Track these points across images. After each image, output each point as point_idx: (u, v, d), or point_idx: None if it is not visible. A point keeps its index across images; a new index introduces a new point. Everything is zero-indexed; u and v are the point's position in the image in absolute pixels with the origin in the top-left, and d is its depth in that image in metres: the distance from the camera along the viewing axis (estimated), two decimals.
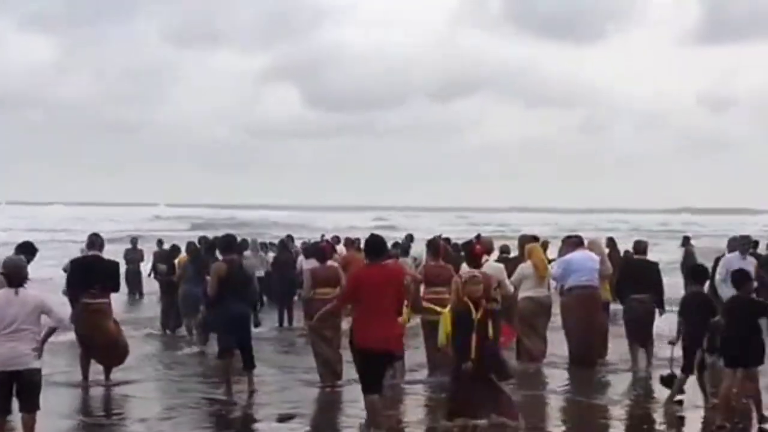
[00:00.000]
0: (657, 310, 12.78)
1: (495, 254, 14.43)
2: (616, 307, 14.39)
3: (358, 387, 8.97)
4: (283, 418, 9.82)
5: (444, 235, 21.36)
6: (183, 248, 17.32)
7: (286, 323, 17.92)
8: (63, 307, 9.95)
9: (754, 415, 9.40)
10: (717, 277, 13.04)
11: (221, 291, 11.08)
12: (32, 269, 9.32)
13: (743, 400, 9.97)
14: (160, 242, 22.34)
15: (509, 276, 12.53)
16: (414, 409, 10.46)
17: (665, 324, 14.21)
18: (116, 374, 11.87)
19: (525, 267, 12.90)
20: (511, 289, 12.44)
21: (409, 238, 20.66)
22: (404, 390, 11.32)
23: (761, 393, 9.36)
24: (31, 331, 8.00)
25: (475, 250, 11.38)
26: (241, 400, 10.79)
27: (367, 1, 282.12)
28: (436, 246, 12.52)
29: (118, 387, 11.55)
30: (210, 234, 21.32)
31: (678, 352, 10.07)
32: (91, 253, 11.89)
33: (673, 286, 20.46)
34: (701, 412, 9.93)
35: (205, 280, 14.08)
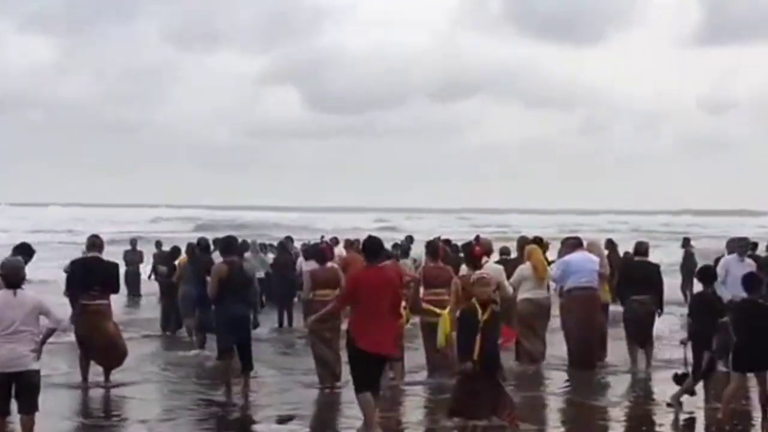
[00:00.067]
0: (656, 312, 12.78)
1: (495, 256, 14.43)
2: (615, 308, 14.38)
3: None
4: (283, 420, 9.83)
5: (444, 237, 21.41)
6: (183, 249, 17.30)
7: (285, 324, 17.92)
8: (62, 308, 9.96)
9: (760, 418, 9.42)
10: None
11: (221, 292, 11.09)
12: (34, 270, 9.39)
13: (743, 401, 10.01)
14: (158, 244, 22.31)
15: (509, 277, 12.54)
16: (413, 410, 10.47)
17: (664, 325, 14.27)
18: (116, 375, 11.87)
19: (524, 268, 12.89)
20: (511, 290, 12.44)
21: (409, 240, 20.65)
22: (404, 391, 11.32)
23: None
24: (30, 333, 8.00)
25: (474, 252, 11.37)
26: (241, 401, 10.80)
27: (367, 2, 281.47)
28: (435, 247, 12.52)
29: (117, 388, 11.55)
30: (209, 235, 21.32)
31: (690, 352, 10.09)
32: (91, 254, 11.88)
33: (673, 287, 20.56)
34: (701, 413, 9.94)
35: (203, 281, 14.13)
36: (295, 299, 17.99)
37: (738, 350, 9.21)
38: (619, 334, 13.28)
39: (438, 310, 11.27)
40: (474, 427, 8.62)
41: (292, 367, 13.11)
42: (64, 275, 12.65)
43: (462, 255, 13.88)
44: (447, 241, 19.16)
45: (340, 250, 18.81)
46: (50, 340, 8.46)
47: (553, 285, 13.36)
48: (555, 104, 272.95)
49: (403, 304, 10.47)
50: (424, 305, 11.80)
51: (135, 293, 23.19)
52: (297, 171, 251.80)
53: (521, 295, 12.74)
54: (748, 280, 9.61)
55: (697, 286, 10.70)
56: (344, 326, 9.71)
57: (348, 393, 10.70)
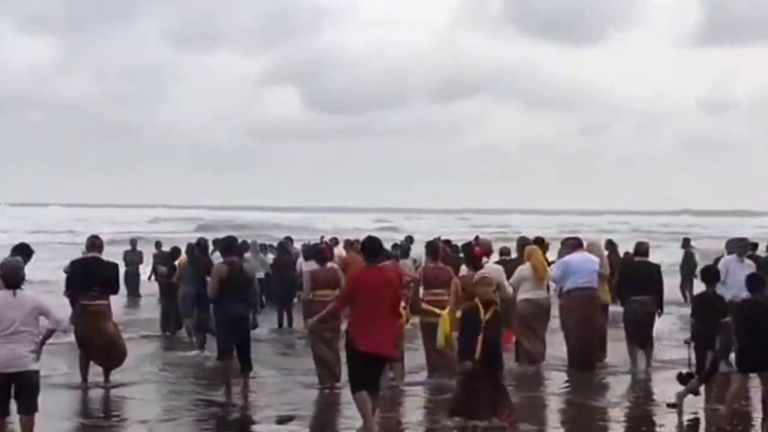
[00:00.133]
0: (656, 312, 12.78)
1: (495, 256, 14.43)
2: (615, 309, 14.38)
3: None
4: (283, 420, 9.83)
5: (444, 237, 21.39)
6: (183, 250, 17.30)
7: (285, 325, 17.92)
8: (61, 309, 9.96)
9: (760, 419, 9.42)
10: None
11: (221, 292, 11.10)
12: (33, 271, 9.39)
13: (743, 402, 10.00)
14: (158, 244, 22.33)
15: (508, 278, 12.53)
16: (413, 410, 10.47)
17: (664, 326, 14.26)
18: (115, 376, 11.87)
19: (524, 269, 12.89)
20: (510, 291, 12.44)
21: (409, 240, 20.63)
22: (403, 392, 11.32)
23: None
24: (29, 333, 8.01)
25: (474, 252, 11.37)
26: (240, 401, 10.80)
27: (367, 2, 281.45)
28: (434, 248, 12.52)
29: (117, 389, 11.54)
30: (210, 235, 21.33)
31: (693, 352, 10.11)
32: (90, 254, 11.88)
33: (673, 287, 20.57)
34: (702, 414, 9.94)
35: (201, 281, 14.15)
36: (295, 300, 17.99)
37: (740, 350, 9.22)
38: (618, 335, 13.28)
39: (438, 311, 11.27)
40: (474, 427, 8.62)
41: (291, 368, 13.11)
42: (64, 275, 12.66)
43: (462, 255, 13.87)
44: (447, 242, 19.14)
45: (339, 251, 18.81)
46: (50, 340, 8.46)
47: (553, 285, 13.37)
48: (555, 104, 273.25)
49: (402, 304, 10.47)
50: (424, 306, 11.80)
51: (135, 294, 23.19)
52: (297, 171, 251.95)
53: (521, 296, 12.74)
54: (752, 280, 9.62)
55: (697, 287, 10.72)
56: (344, 326, 9.72)
57: (348, 393, 10.67)
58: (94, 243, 11.91)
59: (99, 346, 11.63)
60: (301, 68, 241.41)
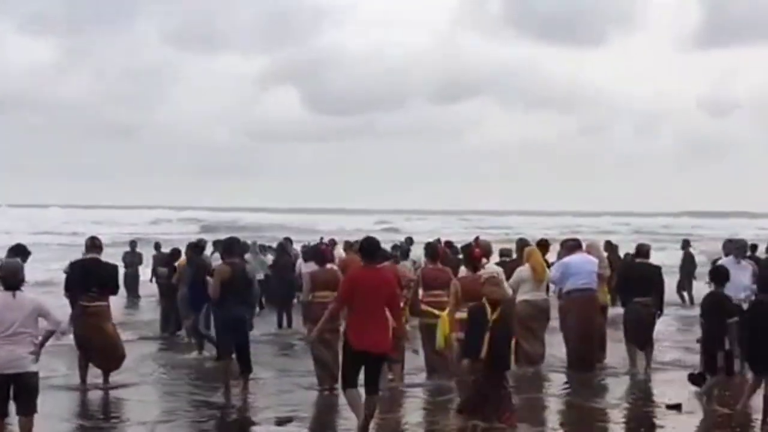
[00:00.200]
0: (656, 313, 12.77)
1: (495, 257, 14.41)
2: (614, 310, 14.39)
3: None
4: (282, 422, 9.83)
5: (445, 239, 21.37)
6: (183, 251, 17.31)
7: (285, 326, 17.92)
8: (61, 310, 9.96)
9: (759, 420, 9.44)
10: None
11: (223, 294, 11.11)
12: (30, 272, 9.39)
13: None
14: (158, 245, 22.36)
15: (507, 279, 12.52)
16: (412, 411, 10.46)
17: (663, 327, 14.26)
18: (115, 377, 11.86)
19: (523, 270, 12.88)
20: (510, 292, 12.42)
21: (409, 241, 20.63)
22: (403, 393, 11.33)
23: None
24: (29, 335, 8.01)
25: (473, 253, 11.37)
26: (239, 403, 10.81)
27: (367, 2, 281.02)
28: (434, 249, 12.53)
29: (116, 390, 11.53)
30: (211, 237, 21.34)
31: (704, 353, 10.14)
32: (90, 255, 11.88)
33: (672, 289, 20.58)
34: (701, 415, 9.94)
35: (197, 282, 14.17)
36: (295, 301, 18.02)
37: (750, 351, 9.28)
38: (618, 336, 13.27)
39: (437, 312, 11.27)
40: (474, 426, 8.62)
41: (291, 369, 13.11)
42: (63, 276, 12.66)
43: (461, 257, 13.87)
44: (449, 243, 19.12)
45: (339, 252, 18.82)
46: (49, 342, 8.45)
47: (552, 287, 13.36)
48: (555, 105, 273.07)
49: (401, 305, 10.47)
50: (423, 307, 11.80)
51: (134, 295, 23.18)
52: (297, 172, 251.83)
53: (520, 297, 12.73)
54: (763, 281, 9.66)
55: (696, 288, 10.74)
56: (343, 328, 9.73)
57: None
58: (94, 244, 11.91)
59: (98, 348, 11.63)
60: (301, 68, 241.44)
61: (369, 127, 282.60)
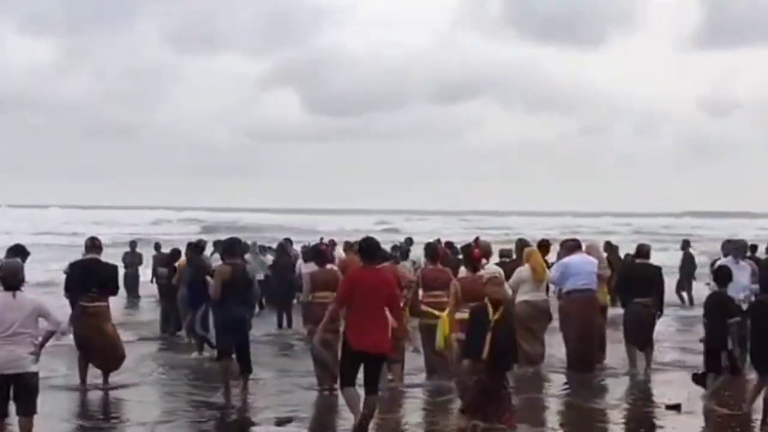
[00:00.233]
0: (656, 314, 12.77)
1: (495, 258, 14.40)
2: (614, 310, 14.39)
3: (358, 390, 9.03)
4: (282, 422, 9.83)
5: (446, 239, 21.37)
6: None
7: (285, 326, 17.92)
8: (61, 310, 9.97)
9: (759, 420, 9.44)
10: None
11: (224, 294, 11.11)
12: (29, 272, 9.39)
13: (742, 404, 10.01)
14: (158, 246, 22.38)
15: (507, 280, 12.52)
16: (412, 412, 10.46)
17: (663, 327, 14.25)
18: (114, 378, 11.86)
19: (522, 270, 12.88)
20: (509, 292, 12.43)
21: (409, 242, 20.62)
22: (403, 393, 11.33)
23: None
24: (29, 335, 8.01)
25: (473, 254, 11.36)
26: (239, 403, 10.81)
27: (367, 2, 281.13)
28: (434, 250, 12.53)
29: (116, 390, 11.54)
30: (212, 237, 21.34)
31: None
32: (89, 256, 11.88)
33: (672, 289, 20.58)
34: (701, 415, 9.94)
35: (195, 282, 14.19)
36: (295, 301, 18.03)
37: (753, 351, 9.29)
38: (618, 337, 13.27)
39: (437, 313, 11.27)
40: (474, 426, 8.62)
41: (290, 369, 13.12)
42: (63, 277, 12.67)
43: (461, 257, 13.87)
44: (449, 244, 19.11)
45: (339, 253, 18.83)
46: (49, 342, 8.46)
47: (552, 287, 13.36)
48: (556, 106, 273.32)
49: (401, 305, 10.47)
50: (423, 307, 11.80)
51: (134, 295, 23.19)
52: (297, 172, 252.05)
53: (520, 298, 12.73)
54: (764, 281, 9.69)
55: (696, 288, 10.75)
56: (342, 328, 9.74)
57: None
58: (94, 244, 11.90)
59: (98, 348, 11.63)
60: (301, 69, 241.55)
61: (369, 127, 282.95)
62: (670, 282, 16.51)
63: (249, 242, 20.17)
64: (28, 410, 8.01)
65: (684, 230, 62.87)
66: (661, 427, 9.67)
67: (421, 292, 12.02)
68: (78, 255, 13.29)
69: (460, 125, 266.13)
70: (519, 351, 12.83)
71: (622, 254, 19.67)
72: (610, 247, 18.95)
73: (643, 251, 13.14)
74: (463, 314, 9.98)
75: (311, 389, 11.48)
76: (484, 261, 12.07)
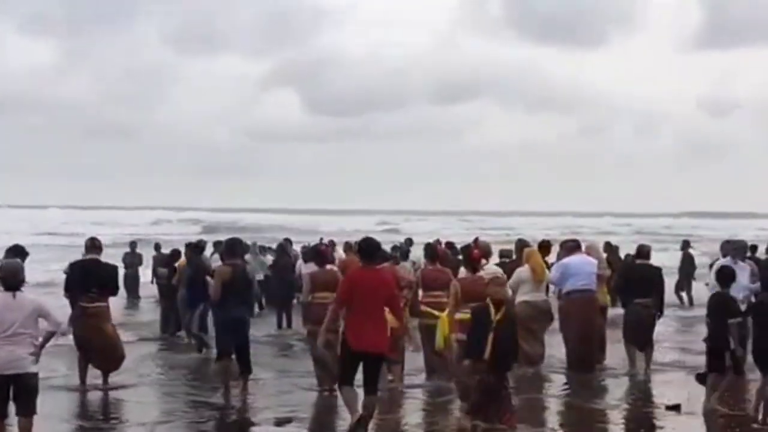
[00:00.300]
0: (656, 314, 12.77)
1: (495, 258, 14.40)
2: (614, 311, 14.39)
3: (357, 391, 9.03)
4: (281, 422, 9.84)
5: (447, 240, 21.35)
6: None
7: (285, 326, 17.92)
8: (61, 311, 9.96)
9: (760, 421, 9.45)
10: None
11: (224, 294, 11.12)
12: (32, 273, 9.40)
13: (742, 405, 10.01)
14: (157, 246, 22.38)
15: (507, 280, 12.52)
16: (412, 412, 10.46)
17: (662, 328, 14.25)
18: (114, 378, 11.86)
19: (522, 271, 12.88)
20: (509, 293, 12.42)
21: (408, 242, 20.62)
22: (402, 394, 11.33)
23: None
24: (29, 335, 8.00)
25: (472, 254, 11.36)
26: (239, 403, 10.81)
27: (367, 2, 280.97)
28: (433, 250, 12.53)
29: (115, 391, 11.54)
30: (213, 238, 21.34)
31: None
32: (89, 256, 11.88)
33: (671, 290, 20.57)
34: (701, 415, 9.94)
35: (194, 282, 14.19)
36: (294, 301, 18.03)
37: (755, 350, 9.32)
38: (617, 337, 13.26)
39: (436, 313, 11.27)
40: (474, 427, 8.62)
41: (290, 370, 13.12)
42: (63, 277, 12.67)
43: (461, 257, 13.86)
44: (450, 244, 19.10)
45: (339, 253, 18.83)
46: (49, 342, 8.46)
47: (552, 288, 13.36)
48: (556, 106, 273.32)
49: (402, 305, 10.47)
50: (423, 308, 11.80)
51: (134, 296, 23.19)
52: (298, 173, 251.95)
53: (519, 298, 12.72)
54: (766, 281, 9.71)
55: (695, 289, 10.75)
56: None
57: None
58: (94, 245, 11.90)
59: (98, 348, 11.63)
60: (301, 69, 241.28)
61: (369, 127, 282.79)
62: (669, 282, 16.49)
63: (249, 242, 20.17)
64: (27, 411, 8.00)
65: (684, 230, 62.84)
66: (661, 427, 9.68)
67: (420, 292, 12.02)
68: (78, 255, 13.29)
69: (460, 125, 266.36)
70: (519, 351, 12.91)
71: (622, 255, 19.67)
72: (610, 248, 18.94)
73: (643, 252, 13.15)
74: (463, 315, 9.99)
75: (311, 390, 11.48)
76: (483, 261, 12.08)
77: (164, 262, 18.37)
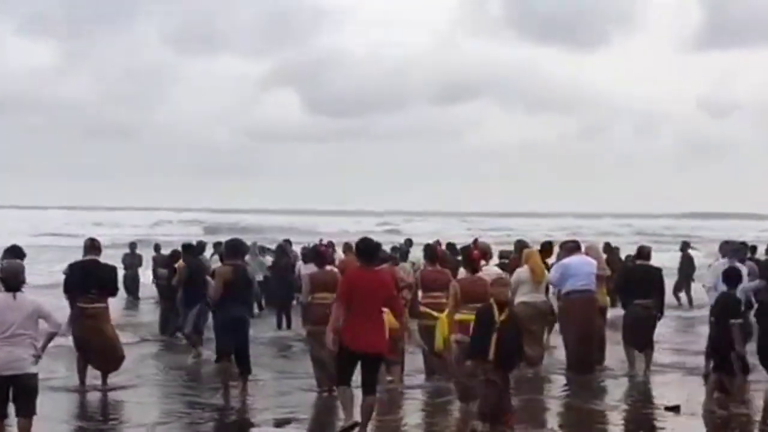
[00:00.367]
0: (657, 315, 12.77)
1: (495, 259, 14.40)
2: (614, 312, 14.38)
3: (356, 392, 9.02)
4: (280, 423, 9.83)
5: (447, 240, 21.35)
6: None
7: (284, 327, 17.92)
8: (61, 312, 9.96)
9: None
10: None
11: (224, 294, 11.12)
12: (31, 274, 9.39)
13: (742, 405, 10.01)
14: (157, 247, 22.37)
15: None
16: (411, 413, 10.46)
17: (662, 329, 14.24)
18: (114, 379, 11.87)
19: (521, 272, 12.87)
20: (509, 293, 12.41)
21: (408, 243, 20.63)
22: (402, 394, 11.33)
23: None
24: (29, 336, 8.01)
25: (472, 255, 11.35)
26: (238, 404, 10.81)
27: (367, 2, 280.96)
28: (432, 251, 12.53)
29: (115, 392, 11.55)
30: (213, 238, 21.35)
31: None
32: (88, 257, 11.88)
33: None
34: (701, 416, 9.94)
35: (192, 283, 14.18)
36: (294, 302, 18.02)
37: (760, 350, 9.34)
38: (617, 338, 13.27)
39: (436, 314, 11.26)
40: (474, 427, 8.60)
41: (290, 370, 13.12)
42: (63, 278, 12.66)
43: (460, 258, 13.86)
44: (450, 245, 19.09)
45: (338, 254, 18.83)
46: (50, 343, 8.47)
47: (552, 288, 13.35)
48: (556, 107, 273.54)
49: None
50: (422, 308, 11.80)
51: (133, 297, 23.19)
52: (298, 173, 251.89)
53: (519, 299, 12.69)
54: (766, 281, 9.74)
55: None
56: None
57: None
58: (93, 245, 11.89)
59: (97, 349, 11.63)
60: (301, 69, 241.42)
61: (369, 127, 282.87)
62: (669, 283, 16.48)
63: (249, 243, 20.16)
64: (27, 411, 8.00)
65: (685, 231, 62.83)
66: (661, 428, 9.68)
67: (420, 293, 12.02)
68: (78, 256, 13.27)
69: (460, 126, 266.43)
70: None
71: (623, 255, 19.67)
72: (610, 248, 18.95)
73: (643, 253, 13.15)
74: (462, 315, 9.99)
75: (310, 391, 11.48)
76: (483, 262, 12.08)
77: (164, 263, 18.37)
